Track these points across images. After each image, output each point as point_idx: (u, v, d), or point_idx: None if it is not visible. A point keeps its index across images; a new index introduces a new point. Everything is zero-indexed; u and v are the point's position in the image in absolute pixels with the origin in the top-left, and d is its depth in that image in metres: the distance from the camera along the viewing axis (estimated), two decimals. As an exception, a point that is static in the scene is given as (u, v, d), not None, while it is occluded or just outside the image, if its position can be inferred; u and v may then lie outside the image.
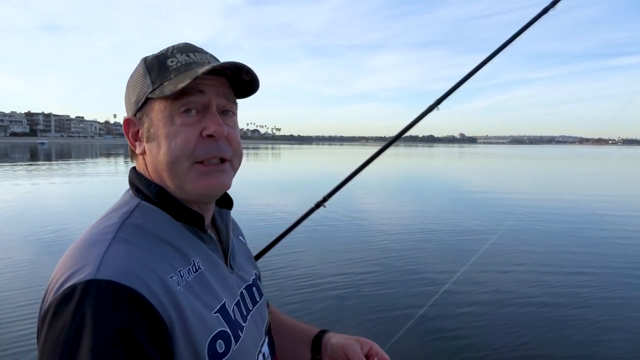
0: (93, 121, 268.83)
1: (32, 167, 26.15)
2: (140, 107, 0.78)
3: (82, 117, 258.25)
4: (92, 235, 0.69)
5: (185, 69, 0.75)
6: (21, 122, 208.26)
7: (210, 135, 0.75)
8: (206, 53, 0.81)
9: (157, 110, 0.76)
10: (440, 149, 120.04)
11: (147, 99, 0.77)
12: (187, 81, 0.71)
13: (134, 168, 0.84)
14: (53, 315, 0.60)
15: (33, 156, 42.15)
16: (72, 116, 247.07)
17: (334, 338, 0.98)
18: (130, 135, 0.81)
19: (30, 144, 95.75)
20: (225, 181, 0.79)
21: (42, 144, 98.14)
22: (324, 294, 5.07)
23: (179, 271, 0.71)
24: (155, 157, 0.77)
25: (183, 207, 0.78)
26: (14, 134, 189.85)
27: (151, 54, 0.82)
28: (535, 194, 15.13)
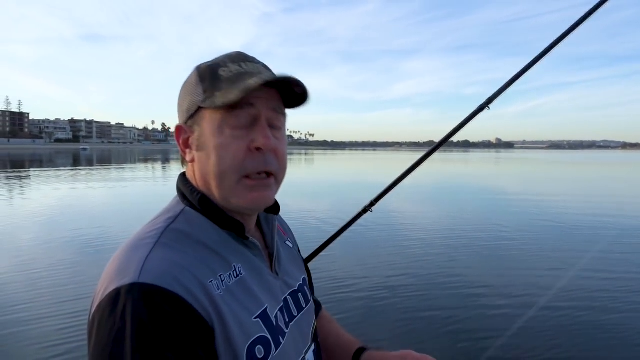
0: (132, 127, 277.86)
1: (74, 172, 26.77)
2: (192, 115, 0.79)
3: (122, 124, 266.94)
4: (136, 240, 0.72)
5: (237, 79, 0.75)
6: (65, 128, 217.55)
7: (258, 149, 0.75)
8: (258, 62, 0.82)
9: (208, 120, 0.77)
10: (477, 154, 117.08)
11: (199, 108, 0.78)
12: (238, 94, 0.72)
13: (183, 174, 0.85)
14: (100, 318, 0.63)
15: (75, 161, 43.41)
16: (113, 123, 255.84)
17: (372, 356, 0.98)
18: (181, 142, 0.82)
19: (73, 150, 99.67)
20: (269, 196, 0.80)
21: (84, 150, 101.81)
22: (363, 298, 4.99)
23: (220, 275, 0.72)
24: (204, 166, 0.78)
25: (224, 214, 0.79)
26: (58, 140, 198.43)
27: (204, 62, 0.82)
28: (570, 199, 14.06)
